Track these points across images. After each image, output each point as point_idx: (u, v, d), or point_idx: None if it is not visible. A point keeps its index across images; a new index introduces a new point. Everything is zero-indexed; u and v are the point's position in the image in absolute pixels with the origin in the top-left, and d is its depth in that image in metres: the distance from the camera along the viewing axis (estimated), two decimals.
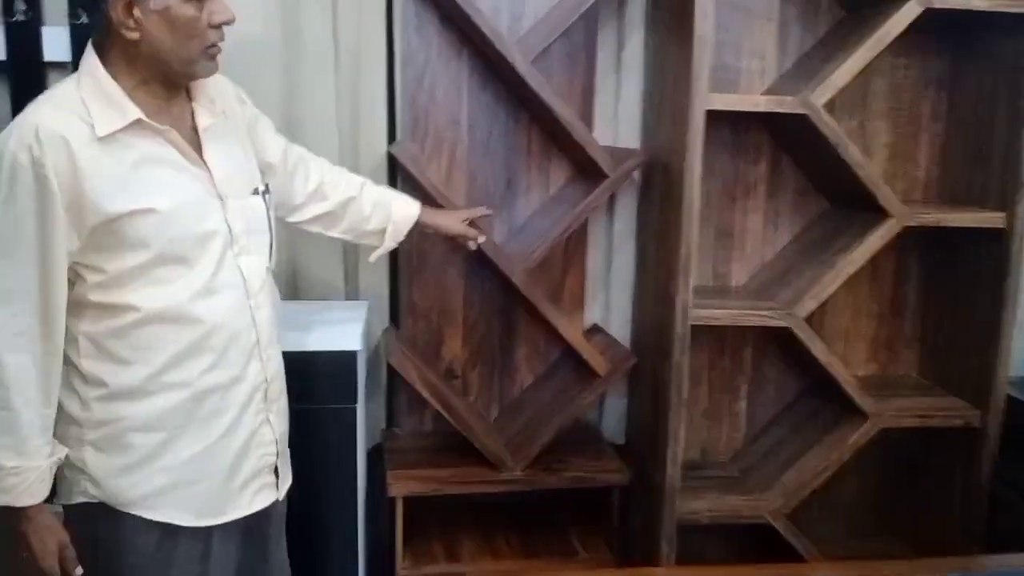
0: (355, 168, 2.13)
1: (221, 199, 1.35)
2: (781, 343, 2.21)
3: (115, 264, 1.27)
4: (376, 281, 2.20)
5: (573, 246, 2.28)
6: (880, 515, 2.36)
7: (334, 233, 1.77)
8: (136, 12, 1.24)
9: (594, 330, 2.32)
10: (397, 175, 2.17)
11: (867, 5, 2.00)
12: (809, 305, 1.94)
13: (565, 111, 2.01)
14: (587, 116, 2.22)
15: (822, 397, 2.15)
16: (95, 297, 1.28)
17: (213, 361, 1.34)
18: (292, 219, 1.74)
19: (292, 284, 2.19)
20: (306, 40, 2.07)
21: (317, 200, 1.72)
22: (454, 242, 2.13)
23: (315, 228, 1.76)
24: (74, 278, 1.28)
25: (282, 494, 1.50)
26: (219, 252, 1.34)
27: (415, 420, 2.28)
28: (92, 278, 1.28)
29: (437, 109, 2.17)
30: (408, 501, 2.03)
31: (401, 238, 1.81)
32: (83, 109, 1.24)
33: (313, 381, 1.81)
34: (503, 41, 1.96)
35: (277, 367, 1.48)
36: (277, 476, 1.47)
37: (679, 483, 1.97)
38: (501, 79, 2.17)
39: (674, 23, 1.98)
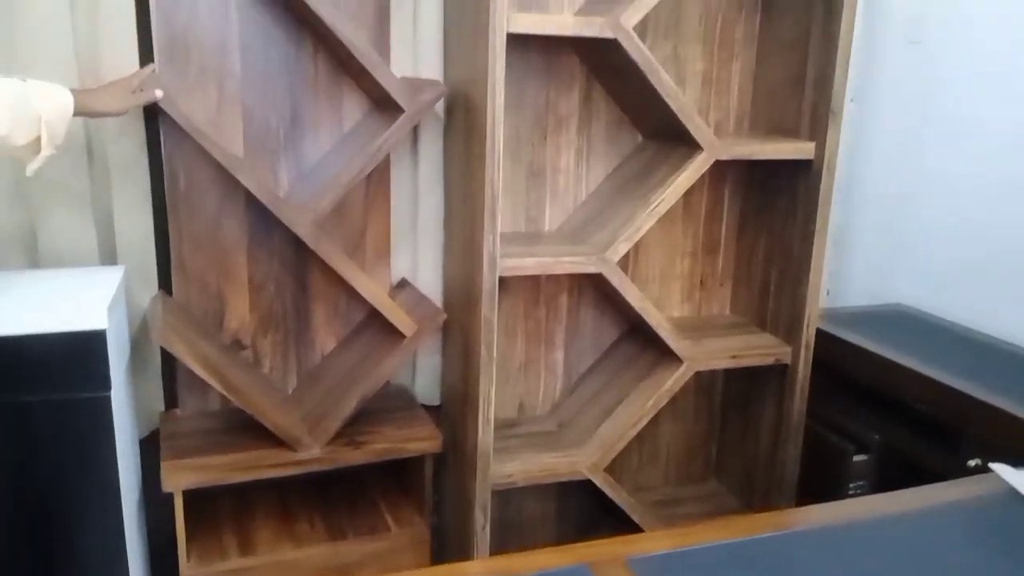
0: None
1: None
2: (597, 288, 2.09)
3: None
4: (138, 240, 1.87)
5: (374, 191, 2.04)
6: (703, 458, 2.34)
7: None
8: None
9: (402, 285, 2.11)
10: (157, 113, 1.82)
11: None
12: (622, 248, 1.81)
13: (353, 35, 1.74)
14: (382, 41, 1.95)
15: (639, 342, 2.07)
16: None
17: None
18: None
19: (31, 249, 1.81)
20: None
21: None
22: (228, 185, 1.84)
23: None
24: None
25: None
26: None
27: (198, 399, 1.99)
28: None
29: (201, 30, 1.83)
30: (191, 492, 1.75)
31: (59, 141, 1.50)
32: None
33: (50, 369, 1.49)
34: None
35: None
36: None
37: (491, 447, 1.82)
38: None
39: None
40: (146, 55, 1.80)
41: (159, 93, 1.64)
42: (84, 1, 1.73)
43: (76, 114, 1.51)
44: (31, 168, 1.50)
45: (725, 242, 2.20)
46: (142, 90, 1.64)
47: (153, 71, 1.69)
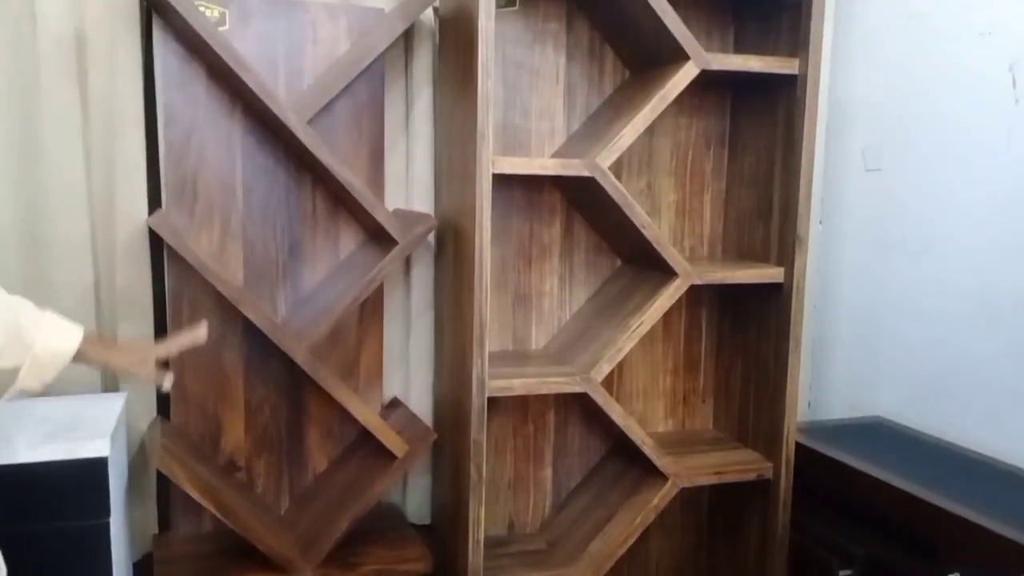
0: (112, 241, 1.90)
1: None
2: (583, 406, 2.16)
3: None
4: None
5: (368, 316, 2.13)
6: (693, 573, 2.35)
7: None
8: None
9: (393, 404, 2.18)
10: (164, 248, 1.93)
11: (649, 66, 2.03)
12: (604, 368, 1.90)
13: (347, 174, 1.88)
14: (377, 178, 2.10)
15: (625, 459, 2.12)
16: None
17: None
18: None
19: None
20: (46, 96, 1.82)
21: None
22: (228, 314, 1.93)
23: None
24: None
25: None
26: None
27: (192, 521, 2.02)
28: None
29: (208, 172, 1.97)
30: None
31: (47, 380, 1.27)
32: None
33: (52, 497, 1.54)
34: (275, 101, 1.80)
35: None
36: None
37: (481, 569, 1.84)
38: (280, 139, 2.01)
39: (459, 82, 1.91)
40: (155, 197, 1.93)
41: (168, 384, 1.43)
42: (99, 153, 1.88)
43: (82, 362, 1.31)
44: (4, 397, 1.27)
45: (705, 360, 2.29)
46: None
47: (187, 342, 1.45)
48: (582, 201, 2.10)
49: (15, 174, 1.84)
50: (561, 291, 2.16)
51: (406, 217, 2.04)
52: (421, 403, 2.20)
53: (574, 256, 2.16)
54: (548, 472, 2.20)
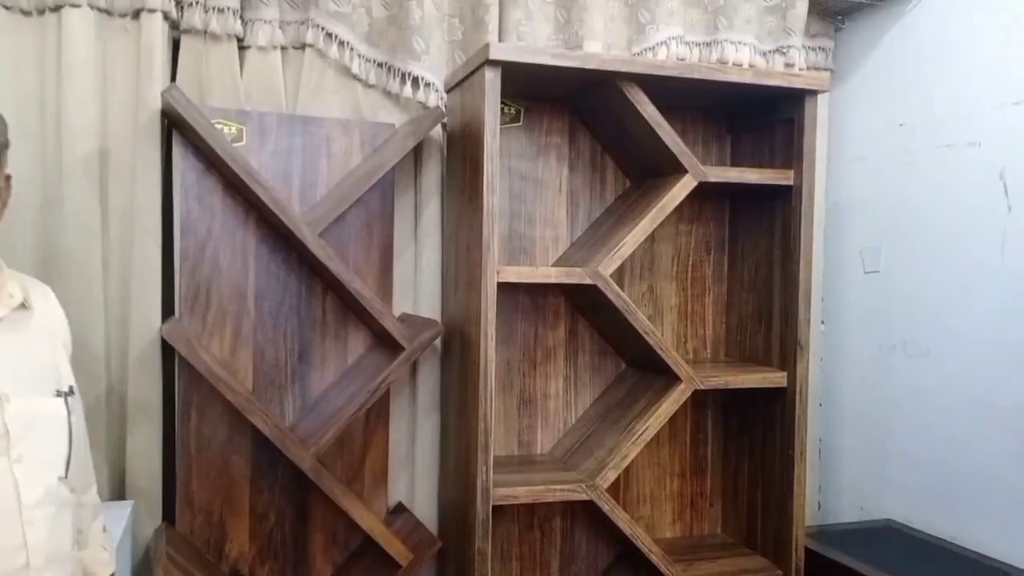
0: (125, 349, 1.94)
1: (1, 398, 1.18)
2: (590, 511, 2.15)
3: None
4: (146, 473, 1.95)
5: (374, 420, 2.15)
6: None
7: None
8: None
9: (398, 510, 2.17)
10: (175, 355, 1.97)
11: (648, 176, 2.10)
12: (610, 476, 1.90)
13: (358, 284, 1.93)
14: (386, 283, 2.15)
15: (633, 566, 2.09)
16: None
17: None
18: None
19: None
20: (68, 204, 1.89)
21: None
22: (237, 420, 1.95)
23: None
24: None
25: None
26: None
27: None
28: None
29: (221, 280, 2.02)
30: None
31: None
32: None
33: None
34: (289, 214, 1.87)
35: None
36: None
37: None
38: (292, 248, 2.07)
39: (466, 194, 1.98)
40: (168, 304, 1.98)
41: None
42: (116, 261, 1.95)
43: None
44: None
45: (712, 463, 2.28)
46: None
47: None
48: (586, 306, 2.14)
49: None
50: (566, 393, 2.18)
51: (413, 322, 2.08)
52: (426, 508, 2.19)
53: (579, 359, 2.19)
54: None
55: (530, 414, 2.17)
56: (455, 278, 2.07)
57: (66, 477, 1.26)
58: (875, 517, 2.41)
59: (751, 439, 2.18)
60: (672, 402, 1.94)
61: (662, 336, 1.98)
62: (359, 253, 2.13)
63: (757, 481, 2.15)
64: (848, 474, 2.52)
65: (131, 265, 1.95)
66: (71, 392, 1.30)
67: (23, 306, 1.28)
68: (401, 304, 2.19)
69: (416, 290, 2.21)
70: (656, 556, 1.93)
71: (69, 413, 1.28)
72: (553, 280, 1.88)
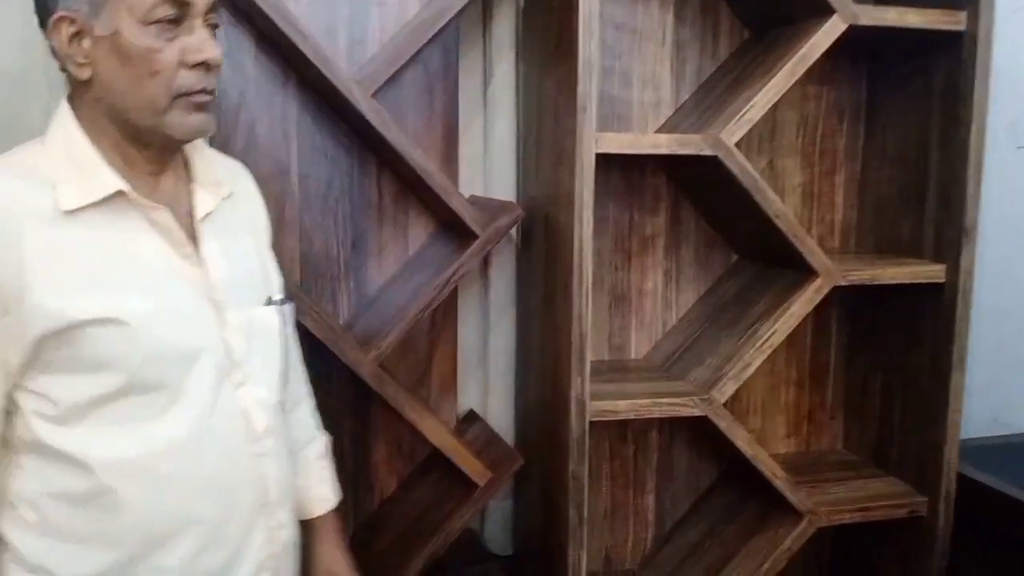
0: None
1: (217, 308, 1.00)
2: (694, 426, 1.85)
3: (68, 392, 0.91)
4: None
5: (441, 318, 1.86)
6: None
7: None
8: (85, 42, 0.92)
9: (470, 419, 1.90)
10: None
11: (774, 25, 1.69)
12: (728, 388, 1.59)
13: (419, 156, 1.59)
14: (451, 160, 1.81)
15: (741, 487, 1.81)
16: (38, 438, 0.92)
17: (204, 538, 0.97)
18: None
19: None
20: None
21: None
22: None
23: None
24: (11, 408, 0.93)
25: None
26: (211, 381, 0.98)
27: None
28: (35, 411, 0.92)
29: (258, 155, 1.70)
30: None
31: None
32: (45, 175, 0.92)
33: None
34: (336, 71, 1.52)
35: (289, 537, 1.10)
36: None
37: None
38: (340, 117, 1.73)
39: (551, 46, 1.60)
40: None
41: None
42: None
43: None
44: None
45: (834, 370, 1.95)
46: None
47: None
48: (695, 185, 1.78)
49: None
50: (666, 290, 1.85)
51: (485, 206, 1.75)
52: (501, 417, 1.92)
53: (681, 250, 1.85)
54: (650, 500, 1.91)
55: (623, 314, 1.85)
56: (537, 152, 1.72)
57: (281, 401, 1.10)
58: (1014, 430, 2.09)
59: (886, 343, 1.83)
60: (806, 301, 1.59)
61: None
62: (418, 123, 1.79)
63: (893, 392, 1.82)
64: (981, 379, 2.18)
65: None
66: (284, 301, 1.12)
67: (232, 199, 1.09)
68: (468, 186, 1.85)
69: (486, 168, 1.87)
70: (780, 480, 1.64)
71: (284, 325, 1.11)
72: (663, 150, 1.51)
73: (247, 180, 1.20)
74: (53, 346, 0.90)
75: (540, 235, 1.70)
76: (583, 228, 1.48)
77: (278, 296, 1.12)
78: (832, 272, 1.60)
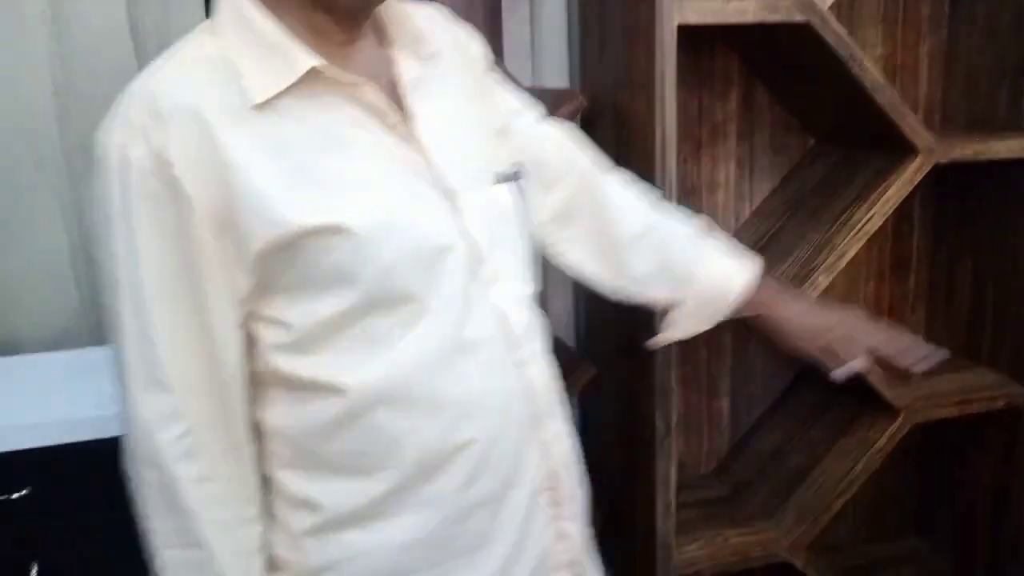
0: None
1: (449, 195, 0.85)
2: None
3: (302, 314, 0.80)
4: None
5: None
6: (899, 511, 1.96)
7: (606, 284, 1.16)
8: None
9: None
10: None
11: None
12: (821, 281, 1.47)
13: None
14: (495, 42, 1.64)
15: (824, 387, 1.71)
16: (278, 368, 0.82)
17: (474, 463, 0.85)
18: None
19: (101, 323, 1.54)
20: None
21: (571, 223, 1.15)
22: None
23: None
24: (251, 341, 0.82)
25: None
26: (461, 283, 0.84)
27: None
28: (272, 342, 0.81)
29: None
30: None
31: (704, 326, 1.20)
32: (224, 66, 0.78)
33: None
34: None
35: (565, 449, 0.95)
36: None
37: (672, 537, 1.48)
38: None
39: None
40: None
41: (863, 365, 1.20)
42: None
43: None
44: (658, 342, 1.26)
45: (917, 259, 1.83)
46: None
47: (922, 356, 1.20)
48: (769, 62, 1.62)
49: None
50: (739, 181, 1.71)
51: (541, 97, 1.59)
52: (562, 322, 1.81)
53: (755, 137, 1.70)
54: (725, 404, 1.82)
55: (694, 207, 1.70)
56: (600, 29, 1.55)
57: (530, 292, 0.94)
58: None
59: (975, 227, 1.71)
60: (905, 182, 1.46)
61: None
62: (456, 3, 1.61)
63: (984, 280, 1.70)
64: None
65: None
66: (517, 175, 0.93)
67: (437, 57, 0.91)
68: (514, 73, 1.69)
69: (536, 51, 1.70)
70: (876, 376, 1.54)
71: (519, 202, 0.93)
72: (751, 19, 1.34)
73: (446, 21, 0.99)
74: (277, 262, 0.78)
75: (606, 127, 1.54)
76: (664, 114, 1.33)
77: (509, 169, 0.94)
78: (933, 149, 1.45)
